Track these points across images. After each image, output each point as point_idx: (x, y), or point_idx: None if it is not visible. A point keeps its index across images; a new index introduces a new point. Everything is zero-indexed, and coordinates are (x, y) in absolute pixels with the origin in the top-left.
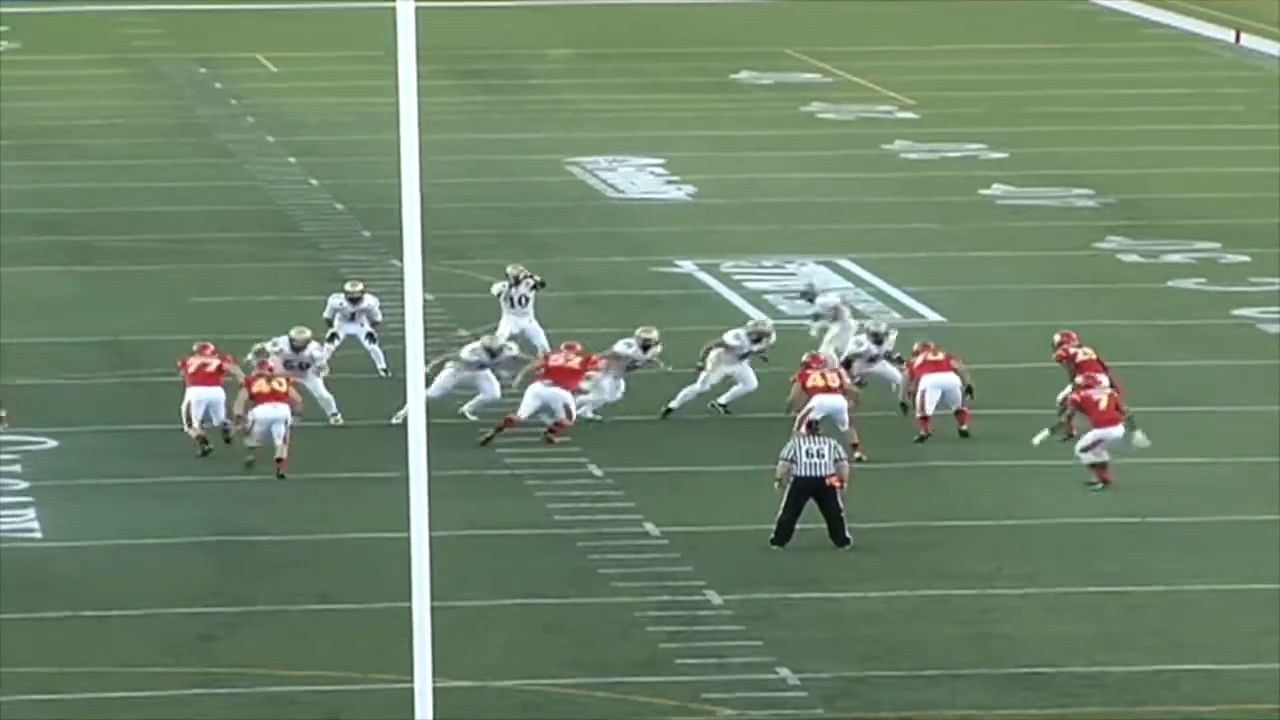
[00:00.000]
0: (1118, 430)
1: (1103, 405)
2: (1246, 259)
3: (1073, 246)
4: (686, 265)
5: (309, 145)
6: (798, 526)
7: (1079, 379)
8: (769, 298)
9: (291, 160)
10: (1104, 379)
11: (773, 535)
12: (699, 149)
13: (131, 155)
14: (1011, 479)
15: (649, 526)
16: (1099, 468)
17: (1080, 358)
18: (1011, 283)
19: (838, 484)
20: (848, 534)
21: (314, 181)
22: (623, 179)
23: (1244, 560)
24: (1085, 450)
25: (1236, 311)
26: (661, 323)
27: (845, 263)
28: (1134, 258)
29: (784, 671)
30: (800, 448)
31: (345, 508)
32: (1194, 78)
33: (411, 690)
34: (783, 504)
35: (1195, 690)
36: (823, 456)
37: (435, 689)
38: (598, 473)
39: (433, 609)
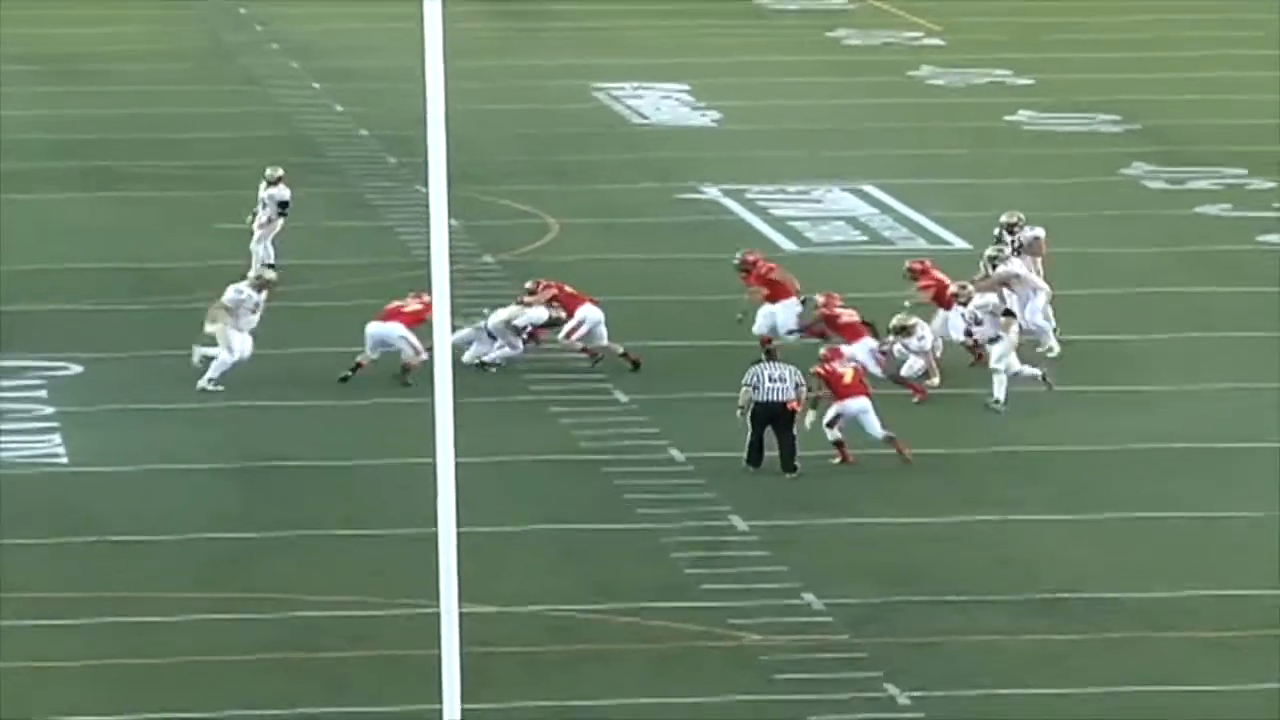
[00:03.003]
0: (860, 403)
1: (847, 379)
2: (1273, 185)
3: (1099, 173)
4: (712, 191)
5: (334, 71)
6: (819, 454)
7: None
8: (795, 224)
9: (316, 86)
10: (851, 349)
11: (745, 458)
12: (725, 75)
13: (157, 82)
14: (1036, 406)
15: (674, 452)
16: (839, 445)
17: (844, 319)
18: (1037, 209)
19: (797, 407)
20: (797, 462)
21: (339, 108)
22: (648, 105)
23: (1269, 486)
24: (829, 425)
25: (1262, 237)
26: (687, 249)
27: (871, 189)
28: (1160, 184)
29: (809, 597)
30: (763, 374)
31: (372, 433)
32: (1221, 4)
33: (437, 615)
34: (750, 432)
35: (1217, 615)
36: (784, 381)
37: (461, 614)
38: (623, 399)
39: (458, 534)
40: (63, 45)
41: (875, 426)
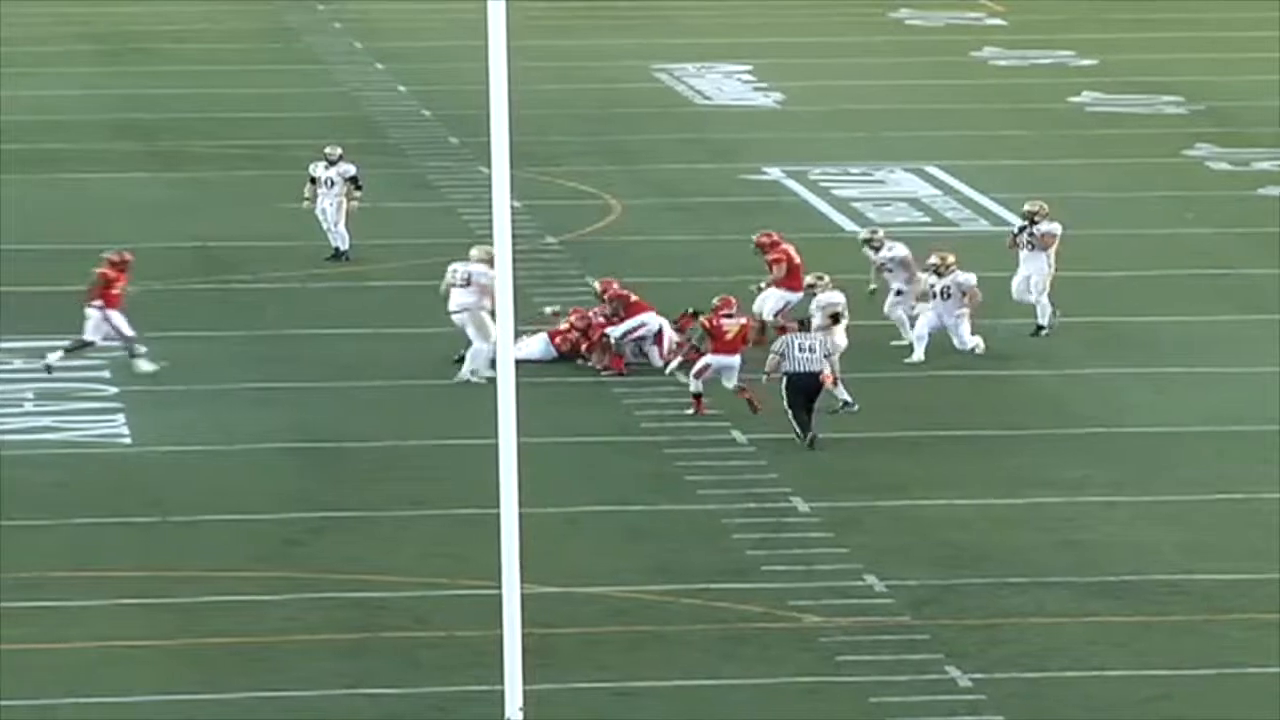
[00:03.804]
0: (732, 360)
1: (730, 334)
2: None
3: (1161, 154)
4: (774, 172)
5: (397, 51)
6: (881, 435)
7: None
8: (856, 205)
9: (379, 66)
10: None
11: (797, 436)
12: (787, 55)
13: (219, 61)
14: (1099, 387)
15: (735, 434)
16: (698, 397)
17: (633, 297)
18: (1100, 190)
19: (829, 381)
20: (814, 427)
21: (402, 88)
22: (710, 85)
23: None
24: (695, 376)
25: None
26: (748, 230)
27: (933, 170)
28: (1223, 165)
29: (870, 578)
30: (793, 343)
31: (434, 414)
32: None
33: (499, 596)
34: (787, 406)
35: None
36: (813, 351)
37: (523, 595)
38: (684, 380)
39: (520, 515)
40: (127, 25)
41: (732, 381)
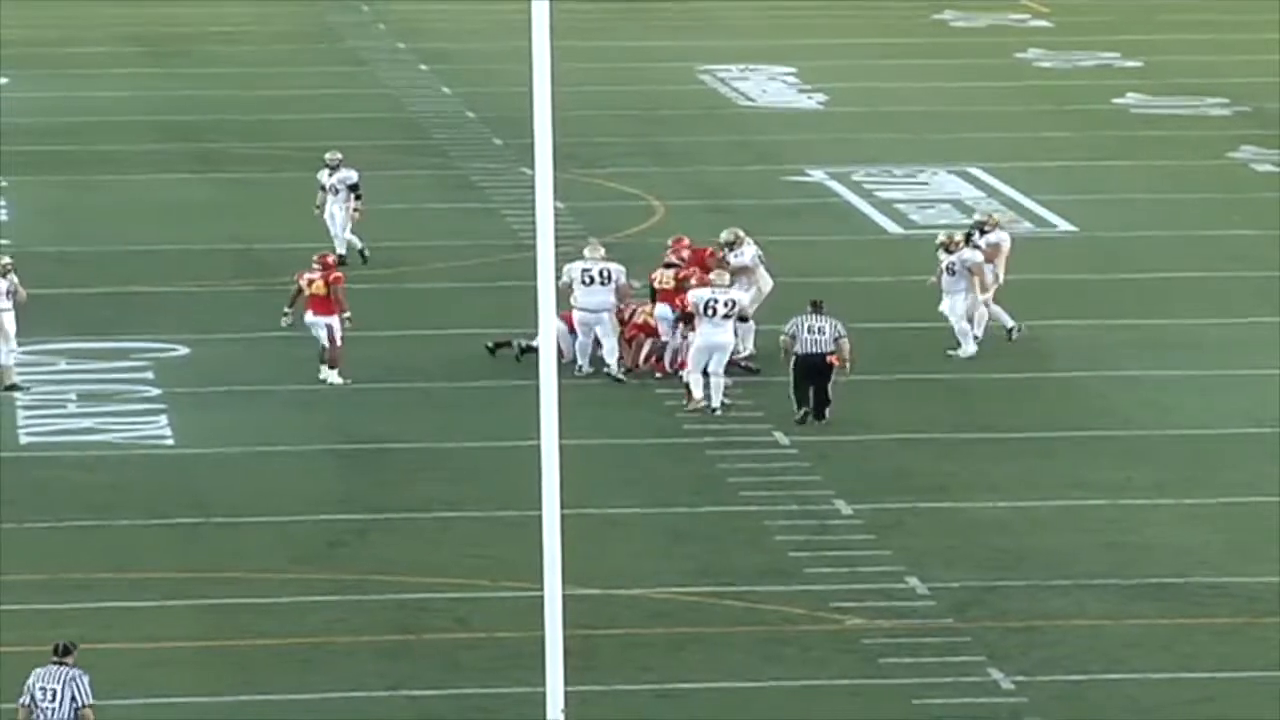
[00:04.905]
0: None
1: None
2: None
3: (1206, 156)
4: (817, 174)
5: (440, 53)
6: (924, 437)
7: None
8: (900, 207)
9: (423, 68)
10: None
11: (796, 416)
12: (831, 57)
13: (263, 63)
14: (1141, 388)
15: (778, 435)
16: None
17: (657, 284)
18: (1144, 192)
19: (837, 363)
20: (828, 413)
21: (446, 89)
22: (754, 87)
23: None
24: (681, 366)
25: None
26: (792, 231)
27: (977, 171)
28: (1268, 167)
29: (913, 580)
30: (802, 325)
31: (476, 416)
32: None
33: (541, 597)
34: (792, 385)
35: None
36: (823, 334)
37: (565, 596)
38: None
39: (562, 517)
40: (171, 26)
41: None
